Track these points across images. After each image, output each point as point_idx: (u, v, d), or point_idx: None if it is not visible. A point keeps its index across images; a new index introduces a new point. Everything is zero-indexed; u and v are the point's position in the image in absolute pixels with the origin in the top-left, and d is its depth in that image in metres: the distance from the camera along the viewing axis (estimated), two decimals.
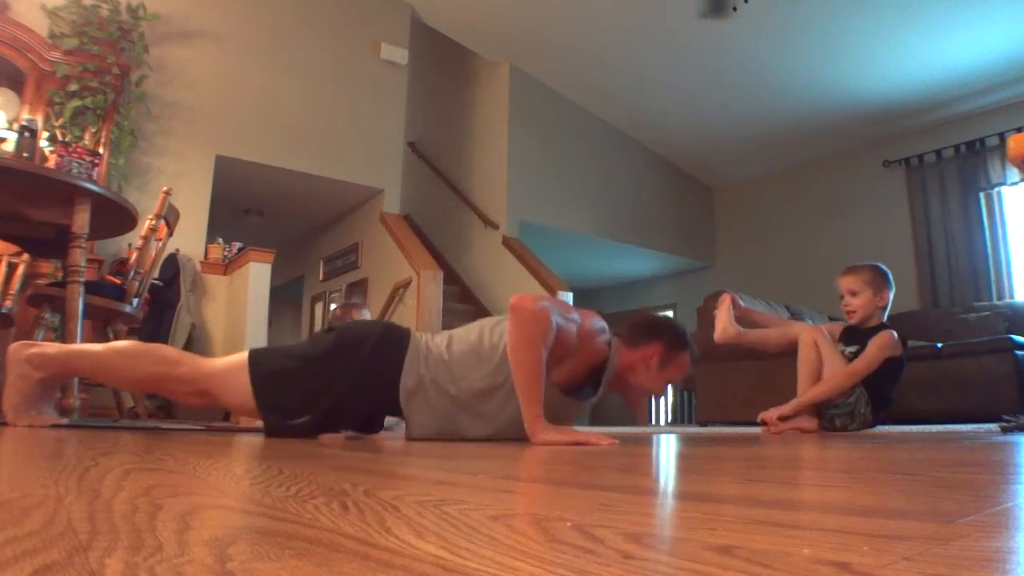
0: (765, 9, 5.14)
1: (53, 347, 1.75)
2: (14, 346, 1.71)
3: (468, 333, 1.83)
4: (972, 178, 5.90)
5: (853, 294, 2.51)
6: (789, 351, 2.56)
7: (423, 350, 1.77)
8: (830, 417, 2.44)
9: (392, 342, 1.76)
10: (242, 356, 1.71)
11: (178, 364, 1.68)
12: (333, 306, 6.68)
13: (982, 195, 5.86)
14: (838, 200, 6.89)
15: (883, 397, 2.47)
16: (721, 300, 2.69)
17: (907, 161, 6.36)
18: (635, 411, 2.02)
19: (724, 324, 2.59)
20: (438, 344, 1.79)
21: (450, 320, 5.27)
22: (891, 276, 2.57)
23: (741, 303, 2.71)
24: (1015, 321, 4.61)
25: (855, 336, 2.50)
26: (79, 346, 1.81)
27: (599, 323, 1.83)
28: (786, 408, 2.38)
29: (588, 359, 1.83)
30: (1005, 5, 4.72)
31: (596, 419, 9.27)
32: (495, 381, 1.73)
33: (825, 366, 2.41)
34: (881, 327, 2.48)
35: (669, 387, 2.05)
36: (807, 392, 2.39)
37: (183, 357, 1.72)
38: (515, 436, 1.72)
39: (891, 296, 2.54)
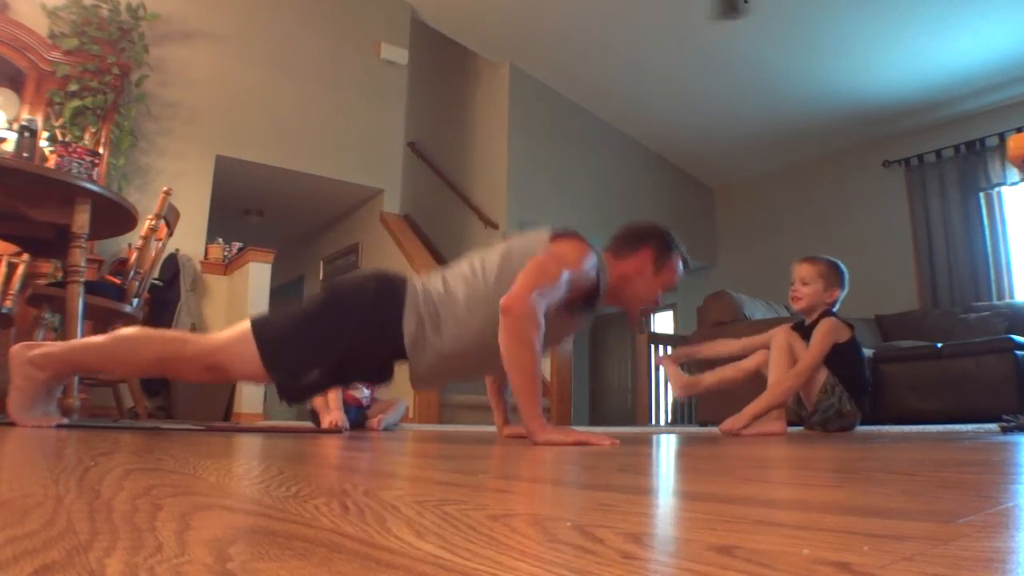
0: (766, 9, 5.14)
1: (55, 346, 1.75)
2: (16, 348, 1.71)
3: (459, 268, 1.83)
4: (972, 178, 5.90)
5: (804, 283, 2.52)
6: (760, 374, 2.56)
7: (420, 292, 1.77)
8: (821, 422, 2.44)
9: (390, 287, 1.77)
10: (244, 325, 1.71)
11: (183, 343, 1.69)
12: None
13: (982, 195, 5.86)
14: (838, 200, 6.89)
15: (858, 384, 2.46)
16: (662, 364, 2.68)
17: (907, 161, 6.36)
18: (635, 323, 2.02)
19: (679, 382, 2.55)
20: (434, 283, 1.80)
21: None
22: (847, 277, 2.55)
23: (674, 353, 2.67)
24: (1015, 321, 4.61)
25: (806, 335, 2.50)
26: (82, 340, 1.80)
27: (588, 263, 1.78)
28: (741, 419, 2.36)
29: (580, 292, 1.80)
30: (1005, 5, 4.73)
31: (596, 419, 9.27)
32: (488, 312, 1.71)
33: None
34: (822, 316, 2.47)
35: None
36: (757, 400, 2.37)
37: (187, 336, 1.73)
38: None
39: (841, 296, 2.53)
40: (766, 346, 2.50)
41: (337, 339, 1.69)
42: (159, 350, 1.69)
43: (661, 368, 2.70)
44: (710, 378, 2.54)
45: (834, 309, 2.53)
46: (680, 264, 1.98)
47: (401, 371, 1.83)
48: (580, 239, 1.80)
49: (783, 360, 2.39)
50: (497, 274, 1.75)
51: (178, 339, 1.71)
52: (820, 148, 6.96)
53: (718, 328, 4.50)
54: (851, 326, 2.50)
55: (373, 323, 1.72)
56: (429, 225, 7.35)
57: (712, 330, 4.53)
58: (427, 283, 1.81)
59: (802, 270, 2.55)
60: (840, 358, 2.42)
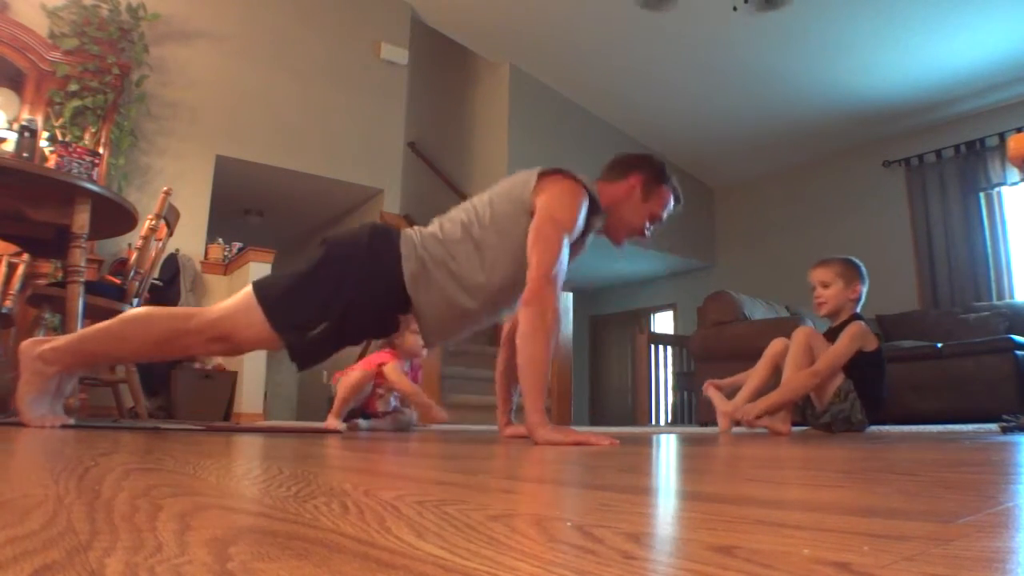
0: (765, 9, 5.14)
1: (62, 338, 1.76)
2: (25, 344, 1.72)
3: (454, 214, 1.86)
4: (972, 178, 5.91)
5: (825, 286, 2.51)
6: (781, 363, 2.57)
7: (416, 236, 1.81)
8: (825, 423, 2.43)
9: (384, 235, 1.80)
10: (246, 290, 1.73)
11: (188, 317, 1.71)
12: None
13: (982, 195, 5.86)
14: (838, 200, 6.89)
15: (873, 397, 2.44)
16: (708, 394, 2.69)
17: (907, 161, 6.36)
18: (619, 245, 2.01)
19: (725, 413, 2.55)
20: (430, 229, 1.84)
21: None
22: (864, 271, 2.54)
23: (719, 382, 2.71)
24: (1015, 321, 4.61)
25: (833, 336, 2.49)
26: (90, 327, 1.81)
27: (581, 205, 1.79)
28: (753, 410, 2.34)
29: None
30: (1005, 5, 4.73)
31: (596, 419, 9.27)
32: (486, 253, 1.76)
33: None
34: (851, 319, 2.47)
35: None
36: (771, 395, 2.35)
37: (190, 310, 1.75)
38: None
39: (863, 290, 2.52)
40: (765, 375, 2.50)
41: (338, 291, 1.71)
42: (166, 327, 1.71)
43: (708, 395, 2.73)
44: (745, 397, 2.52)
45: (859, 308, 2.51)
46: (671, 197, 1.98)
47: None
48: (570, 178, 1.80)
49: (800, 358, 2.37)
50: (491, 215, 1.79)
51: (182, 314, 1.74)
52: (820, 148, 6.96)
53: (718, 328, 4.51)
54: (880, 337, 2.47)
55: (372, 271, 1.75)
56: None
57: (712, 331, 4.53)
58: (422, 230, 1.85)
59: (819, 274, 2.53)
60: (863, 367, 2.39)
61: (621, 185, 1.92)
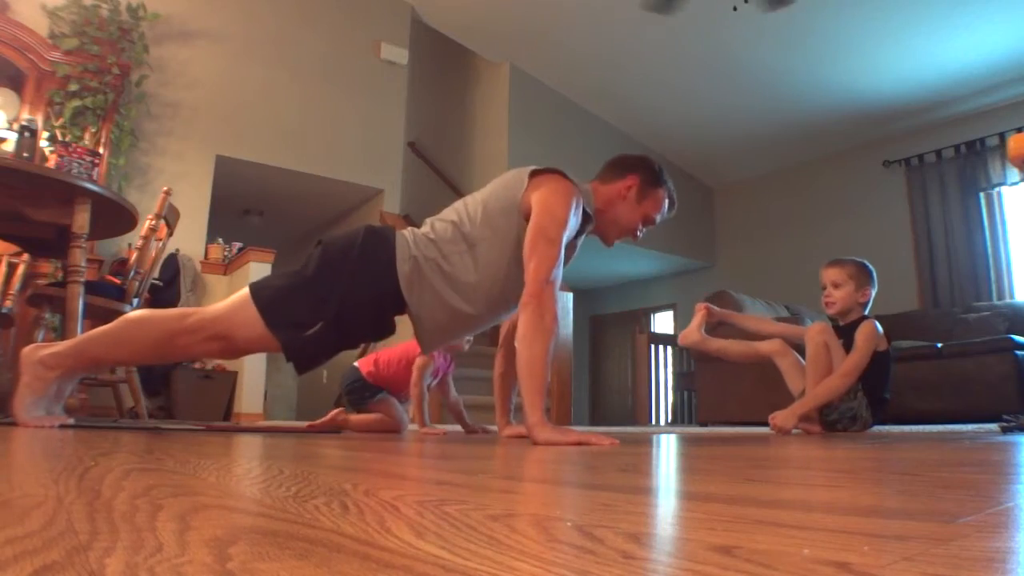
0: (765, 9, 5.13)
1: (64, 344, 1.77)
2: (27, 349, 1.74)
3: (446, 214, 1.87)
4: (972, 178, 5.91)
5: (836, 286, 2.52)
6: (760, 363, 2.61)
7: (410, 237, 1.81)
8: (831, 422, 2.43)
9: (380, 236, 1.81)
10: (243, 291, 1.75)
11: (184, 316, 1.72)
12: None
13: (982, 195, 5.86)
14: (838, 200, 6.90)
15: (877, 397, 2.45)
16: (696, 309, 2.73)
17: (907, 161, 6.36)
18: (608, 246, 2.02)
19: (688, 330, 2.63)
20: (423, 230, 1.85)
21: None
22: (875, 275, 2.55)
23: (716, 309, 2.74)
24: (1015, 321, 4.61)
25: (841, 335, 2.49)
26: (88, 332, 1.82)
27: (575, 206, 1.78)
28: (791, 418, 2.35)
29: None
30: (1005, 5, 4.73)
31: (596, 419, 9.27)
32: (479, 251, 1.76)
33: (835, 366, 2.39)
34: (862, 319, 2.47)
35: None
36: (805, 399, 2.37)
37: (186, 310, 1.76)
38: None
39: (872, 294, 2.53)
40: (794, 336, 2.50)
41: (333, 292, 1.72)
42: (162, 328, 1.72)
43: (695, 308, 2.76)
44: (717, 344, 2.57)
45: (867, 311, 2.52)
46: (665, 199, 1.98)
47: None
48: (562, 177, 1.80)
49: (822, 359, 2.38)
50: (483, 214, 1.80)
51: (178, 313, 1.75)
52: (820, 148, 6.96)
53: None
54: (889, 340, 2.48)
55: (366, 272, 1.75)
56: None
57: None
58: (415, 230, 1.86)
59: (831, 274, 2.54)
60: (870, 366, 2.39)
61: (617, 185, 1.93)
